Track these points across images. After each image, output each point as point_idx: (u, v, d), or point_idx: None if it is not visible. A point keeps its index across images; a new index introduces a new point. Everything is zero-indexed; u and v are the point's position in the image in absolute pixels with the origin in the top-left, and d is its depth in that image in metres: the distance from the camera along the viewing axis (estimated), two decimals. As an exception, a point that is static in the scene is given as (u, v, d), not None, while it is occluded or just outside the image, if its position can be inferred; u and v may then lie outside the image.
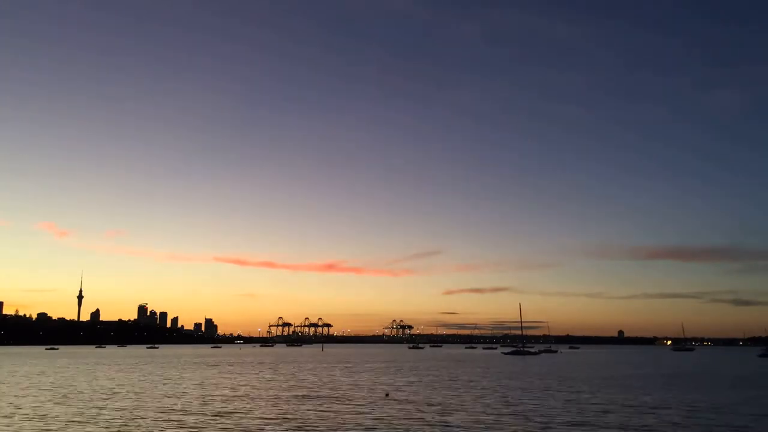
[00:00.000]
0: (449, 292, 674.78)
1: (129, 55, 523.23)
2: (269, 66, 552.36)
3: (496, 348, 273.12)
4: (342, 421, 27.05)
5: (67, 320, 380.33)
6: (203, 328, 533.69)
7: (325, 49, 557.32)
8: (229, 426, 25.85)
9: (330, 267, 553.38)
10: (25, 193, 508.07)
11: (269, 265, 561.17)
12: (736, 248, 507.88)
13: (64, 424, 26.60)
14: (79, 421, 27.24)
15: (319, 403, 35.13)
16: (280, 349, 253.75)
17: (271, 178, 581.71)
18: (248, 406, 33.56)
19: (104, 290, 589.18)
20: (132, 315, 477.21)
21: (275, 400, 37.03)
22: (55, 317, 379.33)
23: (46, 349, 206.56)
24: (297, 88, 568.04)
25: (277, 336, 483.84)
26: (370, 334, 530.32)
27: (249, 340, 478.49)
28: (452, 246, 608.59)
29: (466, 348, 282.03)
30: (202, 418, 28.57)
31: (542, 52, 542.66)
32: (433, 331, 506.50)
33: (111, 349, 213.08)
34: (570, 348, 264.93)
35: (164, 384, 49.43)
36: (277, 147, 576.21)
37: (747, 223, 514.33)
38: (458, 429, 25.31)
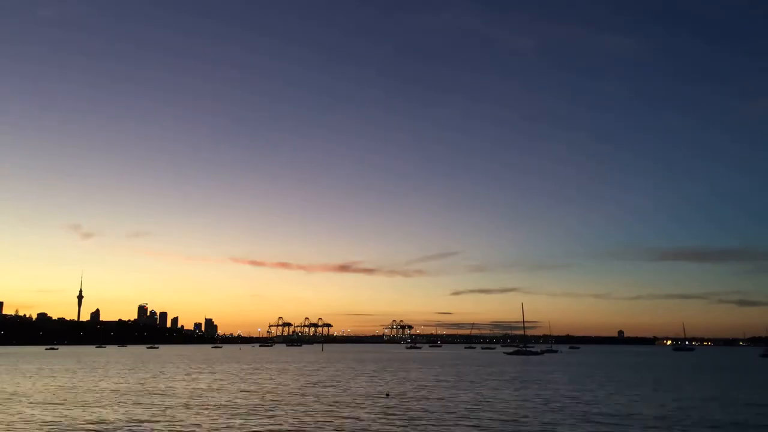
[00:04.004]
0: (457, 293, 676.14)
1: (148, 66, 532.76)
2: (282, 70, 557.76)
3: (495, 348, 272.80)
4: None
5: (67, 320, 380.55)
6: (203, 328, 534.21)
7: (345, 52, 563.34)
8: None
9: (343, 268, 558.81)
10: (43, 195, 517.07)
11: (284, 266, 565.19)
12: (746, 250, 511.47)
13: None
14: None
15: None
16: (279, 349, 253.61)
17: (288, 180, 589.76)
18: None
19: (107, 290, 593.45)
20: (132, 315, 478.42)
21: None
22: (55, 317, 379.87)
23: (46, 349, 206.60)
24: (310, 91, 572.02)
25: (276, 336, 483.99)
26: (371, 334, 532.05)
27: (249, 340, 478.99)
28: (467, 247, 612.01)
29: (465, 348, 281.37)
30: None
31: (574, 60, 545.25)
32: (433, 331, 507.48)
33: (112, 349, 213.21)
34: (570, 348, 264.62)
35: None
36: (294, 150, 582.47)
37: (757, 224, 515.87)
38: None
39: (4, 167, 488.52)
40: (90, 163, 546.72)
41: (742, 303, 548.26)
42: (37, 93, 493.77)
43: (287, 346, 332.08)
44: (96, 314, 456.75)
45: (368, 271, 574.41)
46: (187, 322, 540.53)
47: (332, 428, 25.55)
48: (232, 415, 29.71)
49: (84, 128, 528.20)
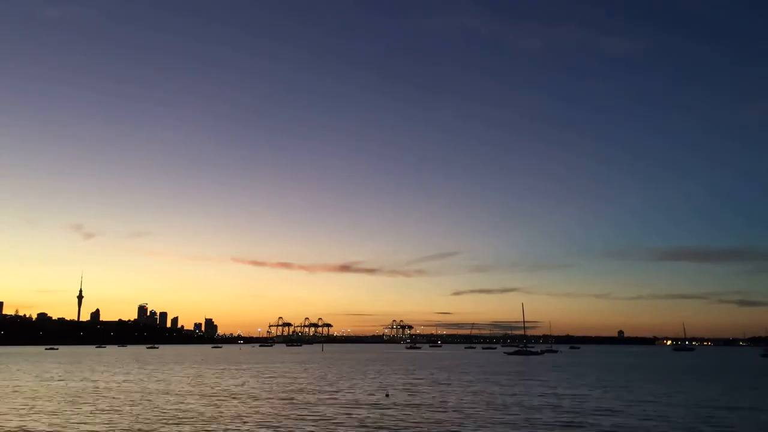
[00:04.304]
0: (457, 293, 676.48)
1: (150, 68, 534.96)
2: (284, 72, 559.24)
3: (495, 348, 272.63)
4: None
5: (67, 320, 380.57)
6: (203, 328, 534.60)
7: (346, 54, 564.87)
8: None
9: (344, 268, 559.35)
10: (45, 196, 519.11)
11: (285, 266, 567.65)
12: (746, 250, 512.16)
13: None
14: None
15: None
16: (278, 348, 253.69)
17: (289, 181, 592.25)
18: None
19: (108, 290, 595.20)
20: (132, 315, 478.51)
21: None
22: (55, 317, 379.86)
23: (46, 349, 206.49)
24: (312, 93, 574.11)
25: (277, 336, 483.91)
26: (371, 334, 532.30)
27: (249, 340, 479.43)
28: (467, 248, 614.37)
29: (465, 348, 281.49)
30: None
31: (574, 61, 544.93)
32: (433, 331, 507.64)
33: (111, 349, 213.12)
34: (571, 348, 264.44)
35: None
36: (295, 151, 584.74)
37: (758, 224, 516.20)
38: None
39: (7, 168, 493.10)
40: (92, 164, 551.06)
41: (743, 303, 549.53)
42: (39, 94, 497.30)
43: (287, 346, 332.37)
44: (96, 314, 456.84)
45: (369, 271, 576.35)
46: (187, 322, 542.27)
47: (332, 428, 25.54)
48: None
49: (86, 129, 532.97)
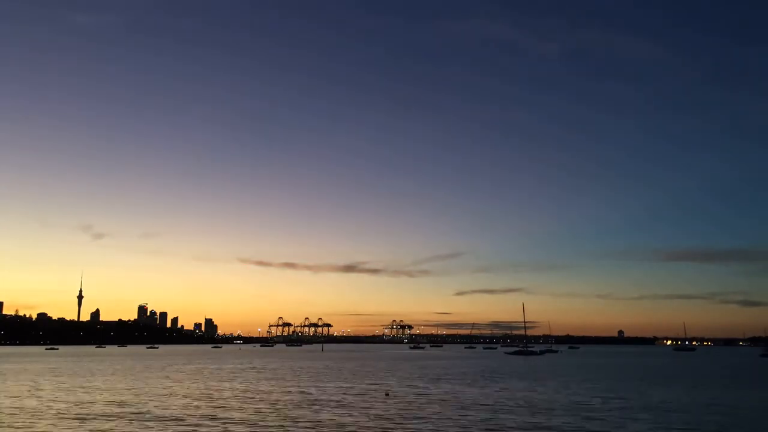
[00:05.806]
0: (461, 293, 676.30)
1: (160, 74, 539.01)
2: (290, 74, 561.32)
3: (496, 348, 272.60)
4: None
5: (67, 320, 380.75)
6: (203, 328, 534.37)
7: (352, 57, 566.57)
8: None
9: (349, 268, 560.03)
10: (59, 197, 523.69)
11: (290, 266, 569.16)
12: (749, 250, 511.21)
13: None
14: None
15: None
16: (279, 349, 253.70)
17: (295, 182, 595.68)
18: None
19: (112, 290, 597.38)
20: (132, 315, 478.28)
21: None
22: (55, 317, 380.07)
23: (46, 349, 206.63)
24: (318, 94, 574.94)
25: (277, 336, 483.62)
26: (371, 334, 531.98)
27: (249, 340, 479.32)
28: (472, 248, 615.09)
29: (465, 348, 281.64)
30: None
31: (578, 64, 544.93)
32: (433, 331, 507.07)
33: (111, 349, 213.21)
34: (570, 348, 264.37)
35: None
36: (301, 152, 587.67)
37: (761, 225, 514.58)
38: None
39: (20, 169, 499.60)
40: (104, 166, 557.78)
41: (745, 303, 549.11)
42: (52, 95, 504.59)
43: (287, 346, 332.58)
44: (96, 314, 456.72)
45: (374, 271, 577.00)
46: (187, 322, 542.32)
47: (332, 428, 25.55)
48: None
49: (99, 132, 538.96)
